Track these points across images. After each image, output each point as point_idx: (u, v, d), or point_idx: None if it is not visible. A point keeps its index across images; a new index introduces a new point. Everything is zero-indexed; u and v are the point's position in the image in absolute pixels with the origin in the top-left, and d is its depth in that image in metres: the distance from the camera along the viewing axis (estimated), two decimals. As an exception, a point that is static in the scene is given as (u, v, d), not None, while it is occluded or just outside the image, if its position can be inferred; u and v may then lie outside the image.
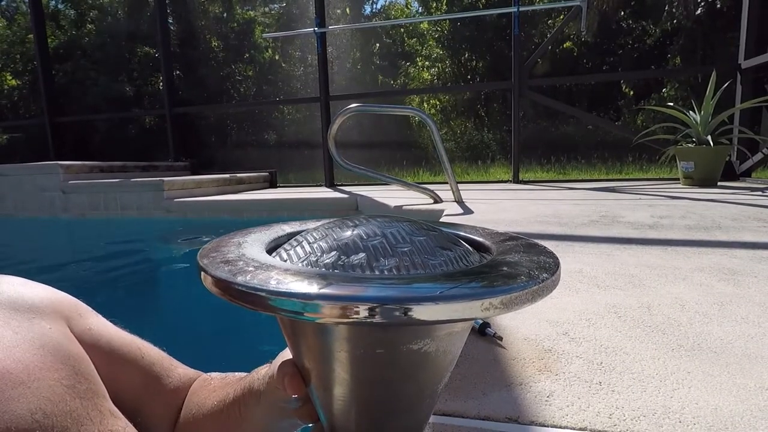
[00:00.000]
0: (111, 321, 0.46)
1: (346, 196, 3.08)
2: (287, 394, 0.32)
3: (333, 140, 2.50)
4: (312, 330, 0.27)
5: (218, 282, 0.23)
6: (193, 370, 0.50)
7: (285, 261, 0.27)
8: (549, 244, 1.31)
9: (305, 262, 0.26)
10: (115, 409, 0.38)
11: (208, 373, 0.49)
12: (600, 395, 0.50)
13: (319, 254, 0.26)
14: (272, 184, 4.81)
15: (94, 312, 0.45)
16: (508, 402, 0.49)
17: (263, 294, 0.21)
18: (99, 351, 0.42)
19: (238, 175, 4.30)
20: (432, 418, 0.46)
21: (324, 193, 3.53)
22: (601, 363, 0.57)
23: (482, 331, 0.66)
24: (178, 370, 0.49)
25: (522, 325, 0.70)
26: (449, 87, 11.99)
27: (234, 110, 10.75)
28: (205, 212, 3.27)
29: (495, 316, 0.24)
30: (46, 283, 0.43)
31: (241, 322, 1.70)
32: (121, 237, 3.50)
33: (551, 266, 0.25)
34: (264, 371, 0.41)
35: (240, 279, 0.23)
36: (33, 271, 2.73)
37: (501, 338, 0.64)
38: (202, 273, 0.25)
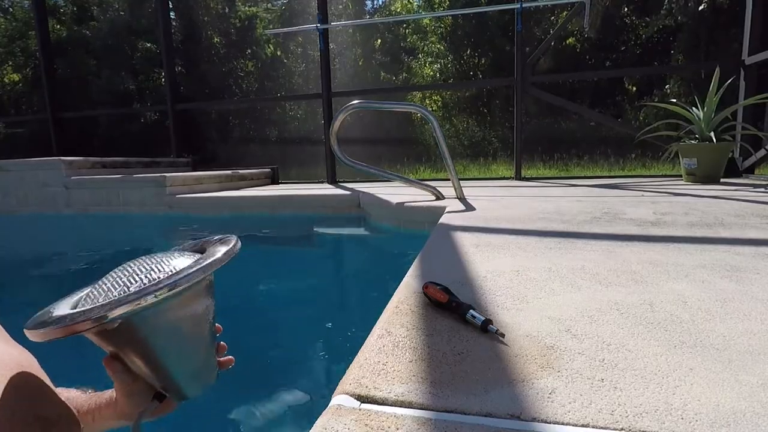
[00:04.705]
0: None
1: (348, 193, 3.08)
2: (109, 372, 0.51)
3: (335, 137, 2.49)
4: (96, 336, 0.47)
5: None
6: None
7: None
8: (551, 242, 1.31)
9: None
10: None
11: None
12: (602, 392, 0.50)
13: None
14: (274, 181, 4.81)
15: None
16: (510, 399, 0.49)
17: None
18: None
19: (240, 171, 4.30)
20: (433, 415, 0.46)
21: (326, 189, 3.53)
22: (603, 360, 0.57)
23: (485, 328, 0.66)
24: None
25: (524, 322, 0.70)
26: (451, 84, 11.95)
27: (236, 107, 10.73)
28: (206, 208, 3.27)
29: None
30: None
31: (233, 320, 1.71)
32: (122, 233, 3.51)
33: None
34: (109, 394, 0.57)
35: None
36: (33, 267, 2.74)
37: (503, 335, 0.64)
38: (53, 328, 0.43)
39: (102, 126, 10.00)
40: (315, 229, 2.81)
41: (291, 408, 1.17)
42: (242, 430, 1.07)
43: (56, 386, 0.56)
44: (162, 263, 0.50)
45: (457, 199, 2.40)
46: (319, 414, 0.48)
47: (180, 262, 0.51)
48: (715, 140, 2.95)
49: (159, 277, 0.47)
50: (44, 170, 3.76)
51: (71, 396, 0.58)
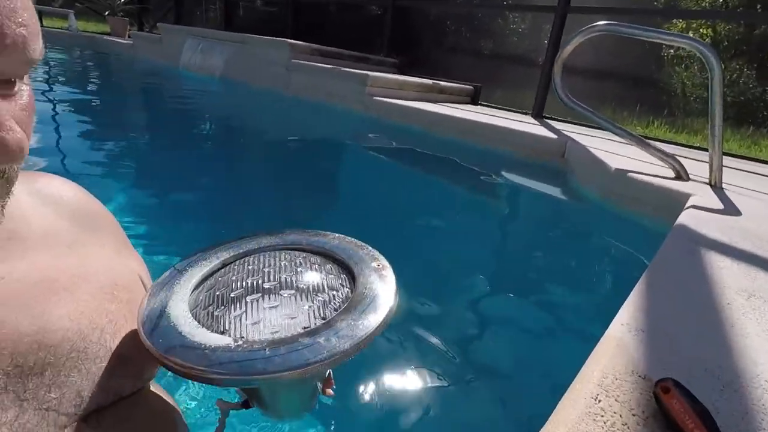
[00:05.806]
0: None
1: (553, 136, 2.55)
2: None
3: (560, 65, 1.97)
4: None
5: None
6: None
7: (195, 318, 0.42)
8: None
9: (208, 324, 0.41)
10: None
11: None
12: None
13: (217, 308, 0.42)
14: (474, 101, 4.43)
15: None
16: None
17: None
18: None
19: (441, 83, 4.03)
20: None
21: (528, 125, 3.03)
22: None
23: None
24: None
25: None
26: (738, 13, 8.94)
27: (457, 10, 10.10)
28: (398, 117, 3.16)
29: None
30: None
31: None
32: (320, 123, 3.70)
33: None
34: None
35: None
36: (235, 137, 3.09)
37: None
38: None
39: (331, 14, 10.62)
40: (502, 173, 2.41)
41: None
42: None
43: None
44: (311, 308, 0.42)
45: (709, 186, 1.71)
46: None
47: (328, 316, 0.42)
48: None
49: (308, 341, 0.39)
50: (274, 50, 4.11)
51: None
